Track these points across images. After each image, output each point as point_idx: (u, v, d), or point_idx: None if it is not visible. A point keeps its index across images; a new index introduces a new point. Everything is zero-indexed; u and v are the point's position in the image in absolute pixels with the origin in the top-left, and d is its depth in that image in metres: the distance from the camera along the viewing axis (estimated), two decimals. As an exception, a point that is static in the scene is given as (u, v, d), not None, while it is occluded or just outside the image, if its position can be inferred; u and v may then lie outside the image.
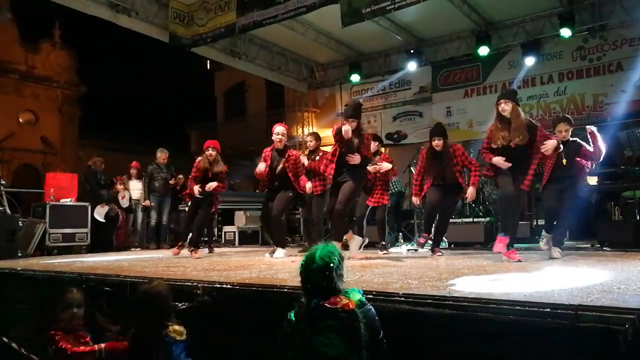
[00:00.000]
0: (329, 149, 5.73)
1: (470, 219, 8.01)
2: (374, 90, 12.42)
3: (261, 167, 5.83)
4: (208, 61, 16.78)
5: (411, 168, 8.06)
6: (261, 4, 8.85)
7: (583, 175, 5.14)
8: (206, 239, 7.70)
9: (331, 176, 5.17)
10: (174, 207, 9.23)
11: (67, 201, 8.27)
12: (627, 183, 6.56)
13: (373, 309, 2.26)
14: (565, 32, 9.25)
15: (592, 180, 6.27)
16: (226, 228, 10.29)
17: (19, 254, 6.85)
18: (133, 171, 9.23)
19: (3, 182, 7.75)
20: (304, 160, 6.32)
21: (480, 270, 3.77)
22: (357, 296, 2.25)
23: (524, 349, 2.13)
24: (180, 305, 3.09)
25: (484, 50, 10.11)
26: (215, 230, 9.54)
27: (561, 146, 4.74)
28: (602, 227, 6.48)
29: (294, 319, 2.25)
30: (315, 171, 6.12)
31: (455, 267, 4.10)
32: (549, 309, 2.12)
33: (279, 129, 5.92)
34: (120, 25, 9.17)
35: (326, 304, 2.16)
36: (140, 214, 9.03)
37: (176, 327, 2.71)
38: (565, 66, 9.99)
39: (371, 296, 2.52)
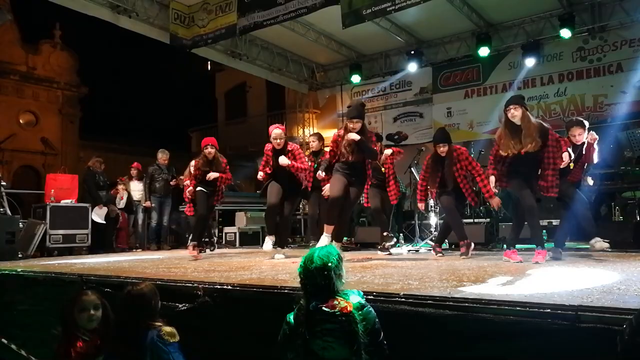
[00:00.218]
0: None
1: (471, 220, 8.00)
2: (374, 91, 12.44)
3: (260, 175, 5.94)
4: (209, 62, 16.79)
5: (411, 169, 8.05)
6: (262, 5, 8.86)
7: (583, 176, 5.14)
8: (207, 239, 7.69)
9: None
10: (175, 208, 9.23)
11: (67, 202, 8.27)
12: (627, 184, 6.57)
13: (373, 311, 2.24)
14: (565, 33, 9.26)
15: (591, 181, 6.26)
16: (227, 229, 10.28)
17: (20, 255, 6.84)
18: (134, 172, 9.25)
19: (3, 183, 7.75)
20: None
21: (481, 271, 3.77)
22: (356, 298, 2.23)
23: (524, 349, 2.13)
24: (181, 306, 3.09)
25: (484, 51, 10.12)
26: (216, 231, 9.54)
27: (572, 153, 4.71)
28: (602, 227, 6.47)
29: (292, 321, 2.24)
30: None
31: (455, 267, 4.10)
32: (549, 310, 2.12)
33: (275, 132, 5.82)
34: (120, 26, 9.19)
35: (324, 307, 2.15)
36: (141, 215, 9.04)
37: (167, 328, 2.72)
38: (565, 67, 10.00)
39: (372, 297, 2.53)
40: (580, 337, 2.02)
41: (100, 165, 8.91)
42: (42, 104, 20.72)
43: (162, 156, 9.02)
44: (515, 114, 4.51)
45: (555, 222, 7.35)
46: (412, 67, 11.17)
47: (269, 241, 5.78)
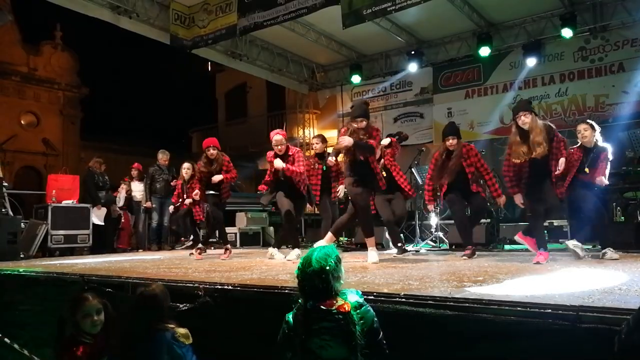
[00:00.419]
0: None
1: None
2: (374, 91, 12.43)
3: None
4: (209, 63, 16.82)
5: (412, 169, 8.04)
6: (262, 6, 8.86)
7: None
8: (213, 240, 7.67)
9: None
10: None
11: (69, 203, 8.28)
12: (628, 184, 6.54)
13: (372, 310, 2.23)
14: (567, 33, 9.25)
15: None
16: (227, 229, 10.27)
17: (21, 256, 6.86)
18: (134, 172, 9.27)
19: (5, 184, 7.76)
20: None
21: (481, 271, 3.77)
22: (354, 297, 2.22)
23: (525, 350, 2.13)
24: (181, 306, 3.10)
25: (485, 51, 10.11)
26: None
27: (580, 158, 4.74)
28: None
29: (291, 321, 2.24)
30: (339, 171, 6.08)
31: (456, 268, 4.10)
32: (550, 310, 2.12)
33: (276, 139, 5.79)
34: (121, 27, 9.20)
35: (322, 306, 2.15)
36: (141, 215, 9.05)
37: (181, 330, 2.72)
38: (566, 67, 9.99)
39: (372, 297, 2.53)
40: (581, 337, 2.02)
41: (100, 165, 8.93)
42: (43, 104, 20.75)
43: (163, 157, 9.03)
44: (526, 120, 4.54)
45: (555, 222, 7.36)
46: (413, 67, 11.17)
47: (297, 251, 5.56)
